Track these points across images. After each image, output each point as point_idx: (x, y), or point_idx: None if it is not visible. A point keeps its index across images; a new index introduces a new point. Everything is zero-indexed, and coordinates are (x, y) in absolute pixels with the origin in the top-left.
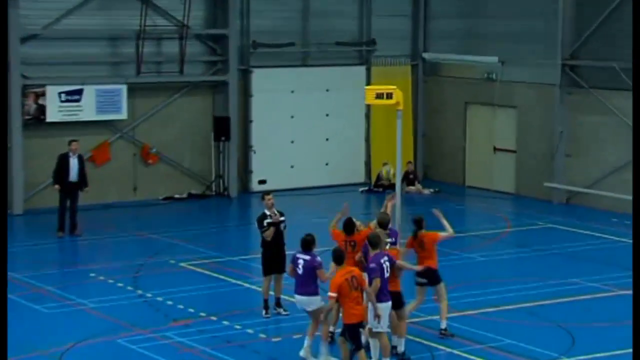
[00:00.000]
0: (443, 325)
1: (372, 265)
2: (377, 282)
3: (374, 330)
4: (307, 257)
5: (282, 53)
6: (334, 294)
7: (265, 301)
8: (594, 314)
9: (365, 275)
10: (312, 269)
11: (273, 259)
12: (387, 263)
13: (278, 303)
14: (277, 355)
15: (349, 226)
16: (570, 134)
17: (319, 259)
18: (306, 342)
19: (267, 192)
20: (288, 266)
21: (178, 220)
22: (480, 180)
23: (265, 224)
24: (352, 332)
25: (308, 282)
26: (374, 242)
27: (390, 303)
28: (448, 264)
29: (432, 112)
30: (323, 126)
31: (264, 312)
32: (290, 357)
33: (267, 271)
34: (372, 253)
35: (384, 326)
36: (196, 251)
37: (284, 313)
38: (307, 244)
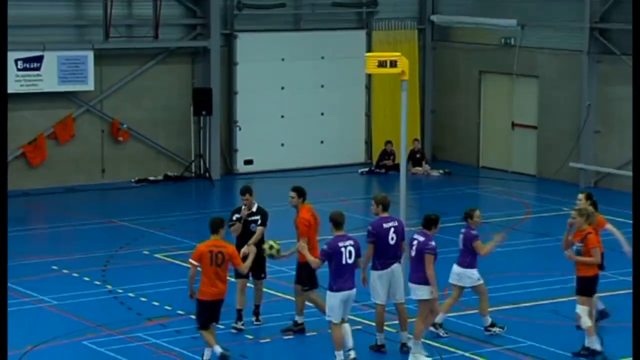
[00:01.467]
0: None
1: (324, 247)
2: (316, 262)
3: (328, 319)
4: (422, 239)
5: (271, 15)
6: (194, 262)
7: (239, 311)
8: (626, 313)
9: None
10: (422, 253)
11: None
12: (351, 248)
13: (256, 311)
14: (266, 359)
15: (301, 191)
16: (600, 107)
17: (433, 243)
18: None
19: (245, 191)
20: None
21: (153, 205)
22: (496, 160)
23: (234, 218)
24: (197, 308)
25: (418, 268)
26: (337, 220)
27: (348, 293)
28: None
29: (442, 83)
30: (318, 99)
31: (239, 322)
32: None
33: (236, 274)
34: (334, 233)
35: (335, 317)
36: (173, 241)
37: (255, 323)
38: (428, 223)
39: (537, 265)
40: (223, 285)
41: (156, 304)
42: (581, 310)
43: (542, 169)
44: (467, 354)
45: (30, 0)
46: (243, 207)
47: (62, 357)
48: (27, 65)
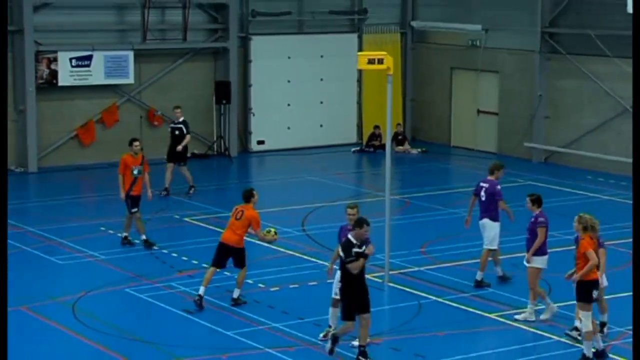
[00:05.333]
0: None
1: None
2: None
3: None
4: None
5: (279, 21)
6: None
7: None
8: (569, 265)
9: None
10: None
11: (357, 297)
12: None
13: (364, 354)
14: (275, 304)
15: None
16: (549, 97)
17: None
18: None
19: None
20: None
21: (182, 178)
22: (464, 140)
23: (353, 254)
24: None
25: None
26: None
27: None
28: (434, 219)
29: (420, 77)
30: (318, 90)
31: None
32: (287, 306)
33: (349, 315)
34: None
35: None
36: (199, 207)
37: None
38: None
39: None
40: (232, 234)
41: (185, 258)
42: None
43: (502, 148)
44: (440, 299)
45: (81, 10)
46: (354, 240)
47: (109, 301)
48: (79, 63)
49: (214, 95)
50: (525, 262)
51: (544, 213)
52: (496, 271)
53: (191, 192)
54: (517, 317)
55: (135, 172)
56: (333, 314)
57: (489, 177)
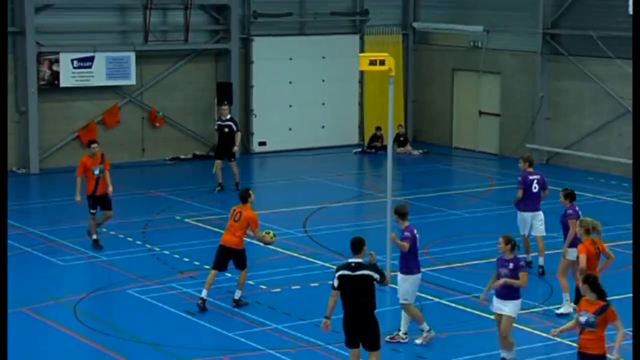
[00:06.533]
0: None
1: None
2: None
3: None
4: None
5: (280, 22)
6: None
7: None
8: None
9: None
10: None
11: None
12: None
13: None
14: (276, 305)
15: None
16: (550, 98)
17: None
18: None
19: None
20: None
21: (183, 179)
22: (466, 142)
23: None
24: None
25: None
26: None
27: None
28: (436, 220)
29: (422, 78)
30: (319, 91)
31: None
32: (288, 307)
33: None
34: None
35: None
36: (200, 208)
37: None
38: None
39: (499, 227)
40: (231, 236)
41: (187, 259)
42: None
43: (504, 149)
44: (442, 301)
45: (83, 11)
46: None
47: (110, 302)
48: (81, 64)
49: (215, 96)
50: (566, 256)
51: (575, 206)
52: (528, 258)
53: (238, 187)
54: (557, 311)
55: (96, 172)
56: (404, 318)
57: (530, 169)
